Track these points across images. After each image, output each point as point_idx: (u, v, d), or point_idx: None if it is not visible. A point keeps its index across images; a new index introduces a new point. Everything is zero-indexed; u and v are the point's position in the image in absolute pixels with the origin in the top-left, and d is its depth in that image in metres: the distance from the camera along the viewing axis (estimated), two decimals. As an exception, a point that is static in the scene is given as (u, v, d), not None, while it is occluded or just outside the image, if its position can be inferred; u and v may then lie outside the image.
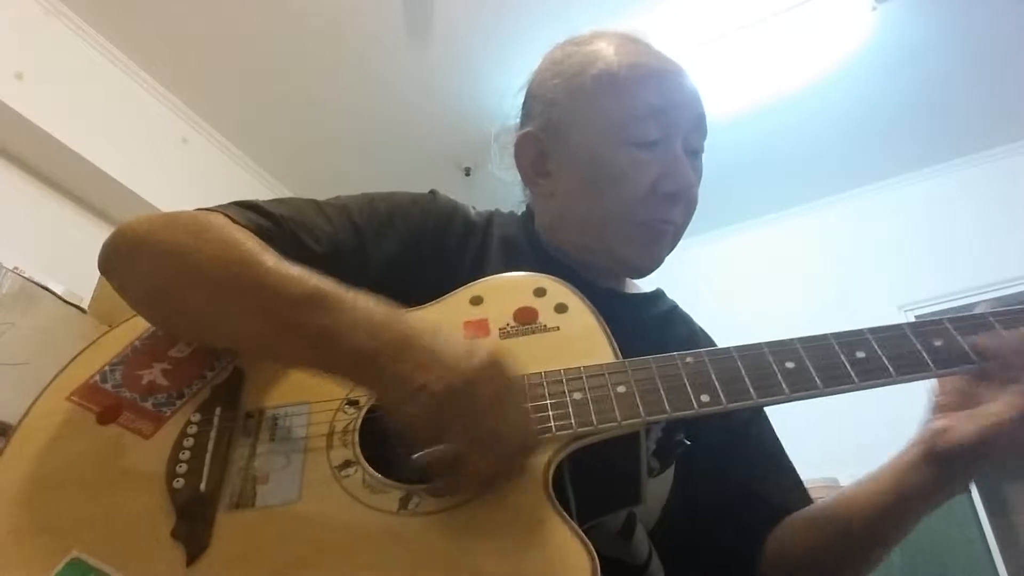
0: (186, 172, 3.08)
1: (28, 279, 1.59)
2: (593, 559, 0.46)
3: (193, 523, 0.51)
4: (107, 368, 0.63)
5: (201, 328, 0.62)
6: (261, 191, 3.44)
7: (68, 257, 2.51)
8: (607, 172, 0.76)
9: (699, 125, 0.80)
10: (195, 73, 2.95)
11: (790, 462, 0.83)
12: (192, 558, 0.49)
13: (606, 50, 0.82)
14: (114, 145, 2.73)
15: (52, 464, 0.56)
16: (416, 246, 0.73)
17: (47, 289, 1.61)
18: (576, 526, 0.48)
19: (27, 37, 2.51)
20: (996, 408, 0.56)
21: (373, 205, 0.75)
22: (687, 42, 2.76)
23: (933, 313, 3.22)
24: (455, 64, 2.92)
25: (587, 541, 0.47)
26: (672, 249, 0.82)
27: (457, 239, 0.77)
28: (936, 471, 0.61)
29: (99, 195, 2.76)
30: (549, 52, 0.88)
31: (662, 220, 0.77)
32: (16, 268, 1.68)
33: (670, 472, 0.73)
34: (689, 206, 0.80)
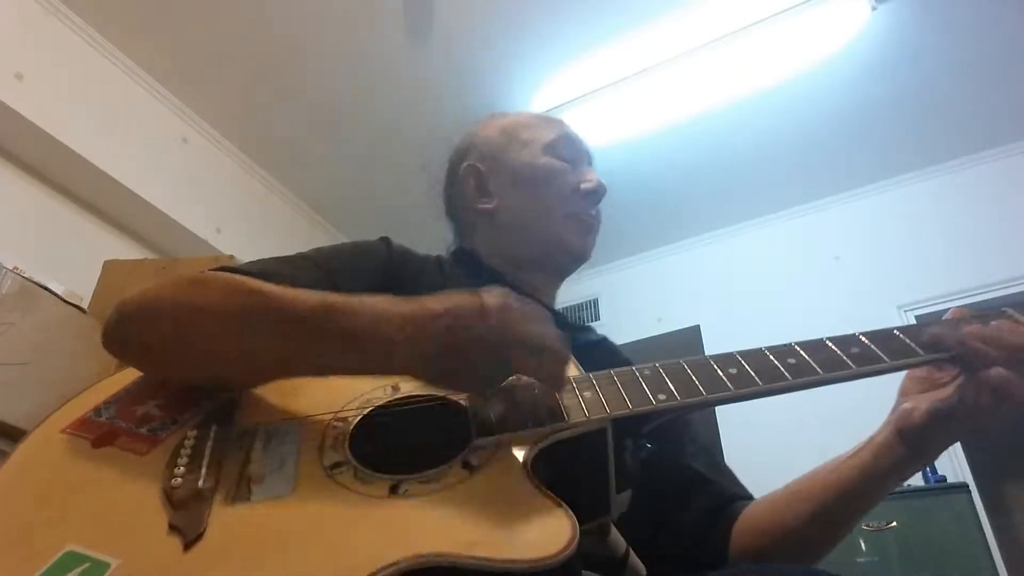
0: (186, 172, 3.08)
1: (28, 279, 1.59)
2: (573, 521, 0.49)
3: (190, 514, 0.52)
4: (101, 405, 0.65)
5: (225, 368, 0.64)
6: (260, 191, 3.45)
7: (68, 257, 2.51)
8: (539, 177, 0.99)
9: (590, 156, 1.05)
10: (195, 73, 2.96)
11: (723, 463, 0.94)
12: (189, 544, 0.50)
13: (521, 113, 1.10)
14: (114, 145, 2.73)
15: (45, 478, 0.58)
16: (379, 287, 0.81)
17: (47, 289, 1.61)
18: (557, 498, 0.52)
19: (27, 37, 2.51)
20: (948, 391, 0.68)
21: (335, 252, 0.85)
22: (686, 43, 2.77)
23: (933, 313, 3.22)
24: (455, 64, 2.93)
25: (567, 508, 0.51)
26: (594, 244, 1.01)
27: (411, 279, 0.86)
28: (906, 448, 0.71)
29: (99, 195, 2.76)
30: (471, 127, 1.11)
31: (587, 213, 0.99)
32: (16, 268, 1.68)
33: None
34: (600, 210, 1.01)
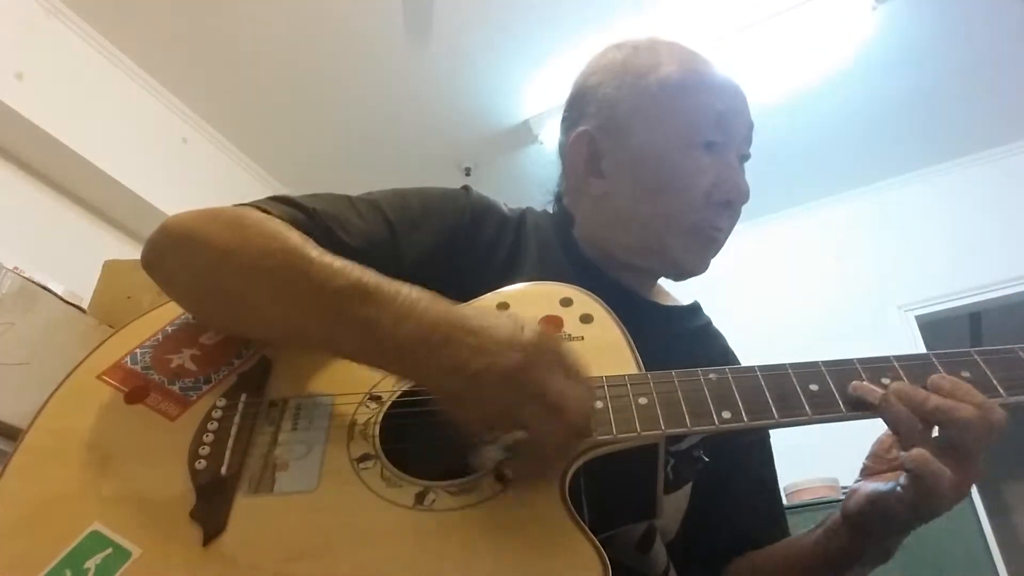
0: (186, 172, 3.08)
1: (28, 279, 1.59)
2: (605, 565, 0.45)
3: (212, 505, 0.52)
4: (138, 350, 0.64)
5: (246, 321, 0.62)
6: (261, 191, 3.44)
7: (68, 257, 2.51)
8: (669, 174, 0.77)
9: (750, 135, 0.82)
10: (195, 73, 2.96)
11: (776, 494, 0.84)
12: (208, 539, 0.50)
13: (668, 57, 0.82)
14: (114, 145, 2.73)
15: (79, 439, 0.58)
16: (448, 242, 0.74)
17: (47, 289, 1.61)
18: (589, 532, 0.48)
19: (27, 37, 2.51)
20: (889, 476, 0.57)
21: (405, 200, 0.76)
22: (686, 44, 2.76)
23: (933, 313, 3.23)
24: (455, 64, 2.93)
25: (600, 547, 0.47)
26: (715, 256, 0.83)
27: (490, 236, 0.77)
28: (850, 534, 0.61)
29: (99, 195, 2.76)
30: (601, 55, 0.87)
31: (714, 227, 0.78)
32: (16, 268, 1.68)
33: (688, 486, 0.73)
34: (736, 216, 0.81)
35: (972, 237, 3.26)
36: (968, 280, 3.18)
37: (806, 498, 2.52)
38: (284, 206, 0.68)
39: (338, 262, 0.56)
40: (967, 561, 2.28)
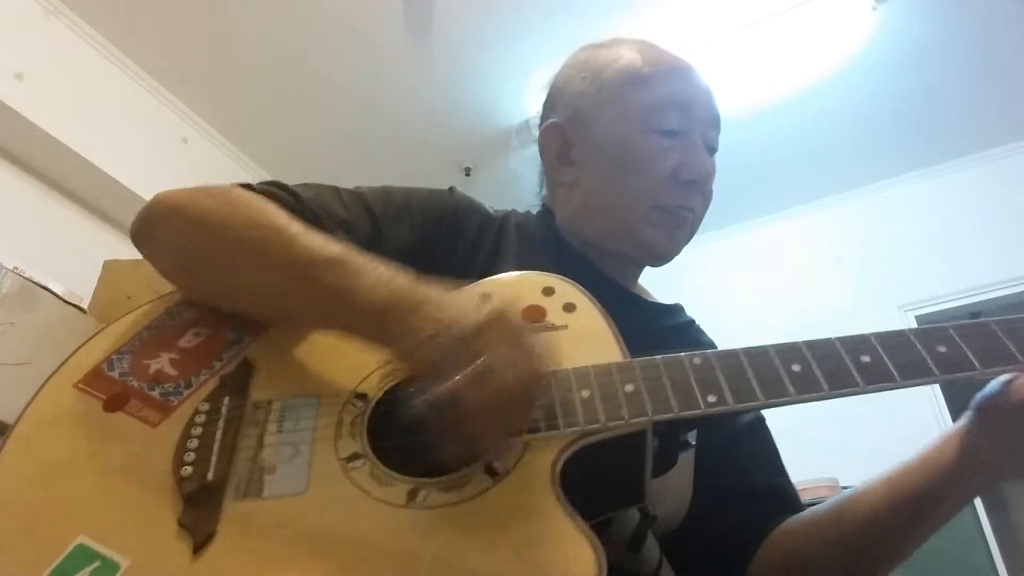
0: (186, 172, 3.08)
1: (28, 279, 1.59)
2: (599, 557, 0.45)
3: (200, 511, 0.51)
4: (114, 356, 0.63)
5: (227, 288, 0.64)
6: (261, 191, 3.45)
7: (68, 257, 2.51)
8: (631, 157, 0.80)
9: (715, 123, 0.84)
10: (195, 73, 2.95)
11: (779, 468, 0.84)
12: (199, 546, 0.49)
13: (628, 50, 0.87)
14: (114, 145, 2.73)
15: (58, 451, 0.56)
16: (430, 238, 0.76)
17: (47, 289, 1.61)
18: (584, 524, 0.48)
19: (27, 37, 2.51)
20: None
21: (390, 195, 0.79)
22: (687, 44, 2.76)
23: (933, 313, 3.22)
24: (455, 64, 2.92)
25: (595, 539, 0.46)
26: (689, 239, 0.85)
27: (473, 234, 0.79)
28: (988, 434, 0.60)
29: (99, 195, 2.76)
30: (571, 55, 0.93)
31: (681, 206, 0.80)
32: (16, 268, 1.68)
33: (682, 475, 0.73)
34: (706, 197, 0.83)
35: (972, 237, 3.26)
36: (968, 280, 3.18)
37: (806, 498, 2.51)
38: (274, 188, 0.71)
39: (320, 237, 0.58)
40: (967, 561, 2.28)
